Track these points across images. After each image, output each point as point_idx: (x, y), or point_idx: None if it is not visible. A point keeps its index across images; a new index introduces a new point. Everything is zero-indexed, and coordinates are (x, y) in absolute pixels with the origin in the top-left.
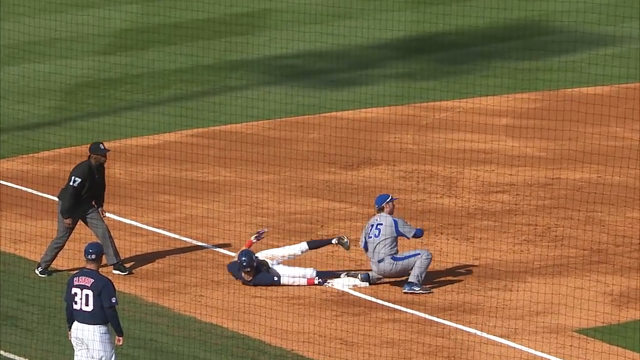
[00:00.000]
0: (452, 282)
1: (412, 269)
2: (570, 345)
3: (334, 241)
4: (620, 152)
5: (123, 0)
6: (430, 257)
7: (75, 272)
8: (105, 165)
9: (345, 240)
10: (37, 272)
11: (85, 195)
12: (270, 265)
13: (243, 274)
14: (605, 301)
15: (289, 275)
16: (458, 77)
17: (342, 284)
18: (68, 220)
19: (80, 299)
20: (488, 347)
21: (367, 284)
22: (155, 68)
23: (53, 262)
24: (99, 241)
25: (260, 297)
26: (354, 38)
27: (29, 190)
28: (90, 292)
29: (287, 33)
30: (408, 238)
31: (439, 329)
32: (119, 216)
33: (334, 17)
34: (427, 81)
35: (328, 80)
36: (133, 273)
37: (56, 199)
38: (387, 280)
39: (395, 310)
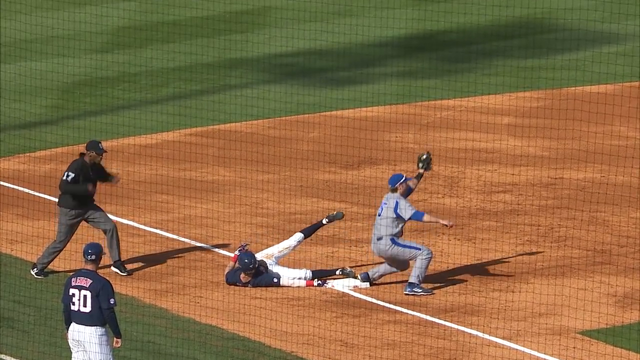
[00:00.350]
0: (453, 283)
1: (411, 268)
2: (574, 347)
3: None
4: (624, 152)
5: None
6: (430, 256)
7: (73, 272)
8: (104, 164)
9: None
10: (32, 272)
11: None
12: (268, 266)
13: (242, 276)
14: (609, 302)
15: (288, 276)
16: (460, 76)
17: (342, 285)
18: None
19: (78, 300)
20: (490, 349)
21: (367, 284)
22: (153, 66)
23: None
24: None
25: (260, 298)
26: (354, 36)
27: (26, 190)
28: (88, 293)
29: (287, 31)
30: (404, 220)
31: (440, 330)
32: (117, 216)
33: (335, 15)
34: (428, 80)
35: (328, 78)
36: (132, 275)
37: (53, 199)
38: (388, 280)
39: (396, 311)
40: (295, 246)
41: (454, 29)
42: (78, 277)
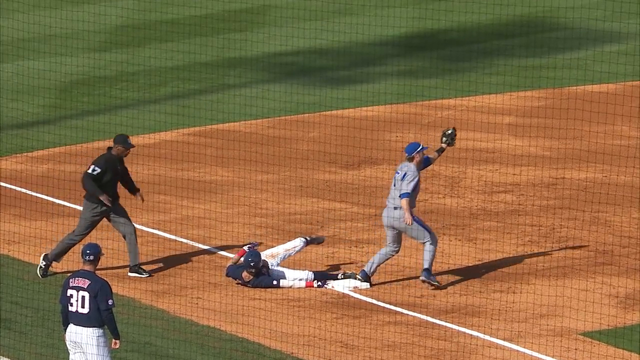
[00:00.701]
0: (454, 284)
1: (422, 254)
2: (575, 349)
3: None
4: (626, 152)
5: None
6: (436, 243)
7: (71, 273)
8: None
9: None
10: (41, 263)
11: (106, 188)
12: (270, 267)
13: (244, 274)
14: (611, 303)
15: (288, 277)
16: (461, 75)
17: (342, 285)
18: (105, 197)
19: (76, 300)
20: (491, 351)
21: (367, 284)
22: (151, 65)
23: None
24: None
25: (259, 299)
26: (354, 35)
27: (23, 190)
28: (86, 294)
29: (286, 30)
30: (400, 193)
31: (441, 331)
32: None
33: (335, 14)
34: (429, 79)
35: (328, 78)
36: (152, 275)
37: (51, 199)
38: (388, 280)
39: (396, 312)
40: (300, 247)
41: (454, 27)
42: (76, 278)
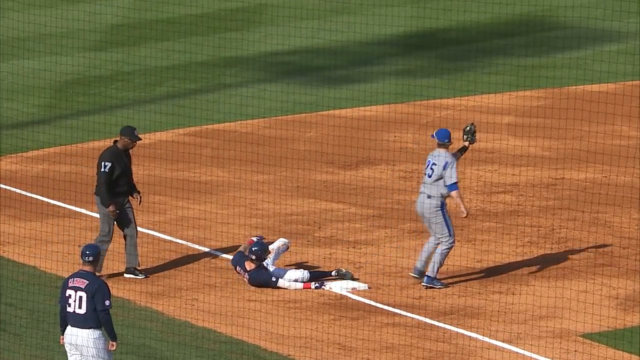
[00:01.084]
0: (453, 285)
1: (431, 257)
2: (575, 351)
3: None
4: (627, 152)
5: None
6: (452, 247)
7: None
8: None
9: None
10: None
11: (117, 183)
12: (266, 265)
13: (247, 262)
14: (611, 305)
15: (286, 277)
16: (459, 75)
17: (340, 287)
18: (111, 208)
19: (74, 301)
20: (490, 352)
21: (366, 286)
22: (147, 65)
23: (42, 264)
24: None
25: (256, 300)
26: (352, 34)
27: (18, 190)
28: (84, 294)
29: (283, 29)
30: (445, 185)
31: (439, 333)
32: None
33: (332, 13)
34: (427, 78)
35: (326, 77)
36: (148, 277)
37: (46, 199)
38: (386, 282)
39: (395, 314)
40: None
41: (453, 26)
42: (75, 278)
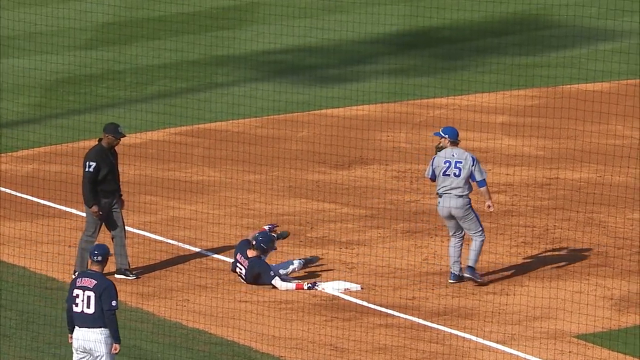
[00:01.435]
0: (446, 285)
1: (469, 250)
2: (569, 352)
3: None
4: (621, 151)
5: None
6: (484, 239)
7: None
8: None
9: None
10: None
11: (104, 182)
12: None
13: (248, 250)
14: (605, 306)
15: (281, 272)
16: (453, 73)
17: (332, 287)
18: (95, 209)
19: (82, 300)
20: (484, 353)
21: (359, 287)
22: (138, 64)
23: (32, 265)
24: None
25: (248, 302)
26: (345, 33)
27: (7, 190)
28: (92, 294)
29: (275, 27)
30: (475, 180)
31: (433, 334)
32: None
33: (324, 11)
34: (420, 77)
35: (318, 76)
36: (139, 277)
37: (36, 199)
38: (380, 283)
39: (388, 315)
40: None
41: (446, 25)
42: (83, 278)
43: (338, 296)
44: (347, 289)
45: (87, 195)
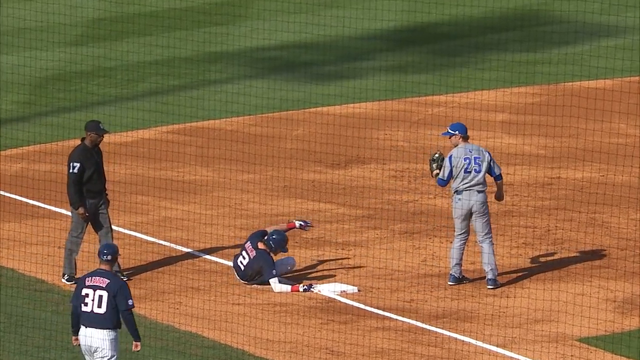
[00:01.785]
0: (446, 288)
1: (484, 259)
2: (572, 355)
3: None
4: (624, 150)
5: None
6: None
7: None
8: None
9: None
10: (63, 280)
11: (90, 182)
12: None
13: (259, 242)
14: (608, 308)
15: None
16: (452, 70)
17: (328, 290)
18: (81, 210)
19: (92, 300)
20: (484, 357)
21: (356, 289)
22: (129, 60)
23: (21, 267)
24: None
25: (242, 304)
26: (341, 28)
27: None
28: (104, 293)
29: (270, 23)
30: (494, 175)
31: (431, 337)
32: None
33: (321, 7)
34: (419, 74)
35: (314, 73)
36: (131, 279)
37: (24, 199)
38: (377, 285)
39: (385, 317)
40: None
41: (445, 21)
42: (93, 277)
43: (334, 298)
44: (344, 291)
45: (72, 197)
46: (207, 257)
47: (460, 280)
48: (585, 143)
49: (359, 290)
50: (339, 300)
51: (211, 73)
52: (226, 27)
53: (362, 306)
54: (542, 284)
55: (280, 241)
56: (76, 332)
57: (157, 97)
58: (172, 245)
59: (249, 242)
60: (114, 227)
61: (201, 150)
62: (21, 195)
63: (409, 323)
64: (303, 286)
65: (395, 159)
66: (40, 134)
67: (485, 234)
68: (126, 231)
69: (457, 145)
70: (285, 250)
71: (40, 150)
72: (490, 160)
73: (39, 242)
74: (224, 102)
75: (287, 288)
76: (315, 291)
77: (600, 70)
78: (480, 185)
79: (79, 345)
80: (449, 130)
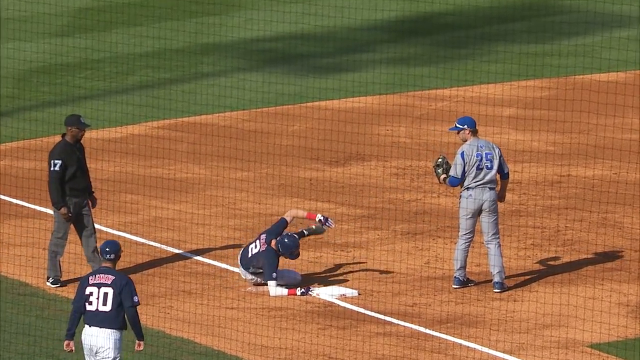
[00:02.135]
0: (450, 291)
1: (491, 261)
2: None
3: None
4: (638, 147)
5: None
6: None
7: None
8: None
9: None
10: (48, 283)
11: (73, 180)
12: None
13: (273, 241)
14: (621, 313)
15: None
16: (457, 63)
17: (326, 293)
18: (63, 211)
19: (97, 298)
20: None
21: (355, 292)
22: (118, 52)
23: (4, 269)
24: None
25: (236, 308)
26: (340, 19)
27: None
28: (110, 290)
29: (265, 13)
30: (503, 172)
31: (435, 343)
32: None
33: None
34: (422, 67)
35: (311, 66)
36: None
37: (7, 198)
38: (377, 288)
39: (386, 322)
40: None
41: (450, 10)
42: (97, 275)
43: (333, 302)
44: (343, 294)
45: (54, 197)
46: (200, 258)
47: (465, 283)
48: (597, 139)
49: (359, 294)
50: (338, 304)
51: (204, 66)
52: (219, 17)
53: (362, 310)
54: (551, 288)
55: (289, 247)
56: (71, 336)
57: (147, 90)
58: (163, 246)
59: (265, 234)
60: (103, 228)
61: (193, 147)
62: (4, 194)
63: (411, 328)
64: (300, 289)
65: (396, 155)
66: (23, 130)
67: (492, 235)
68: (115, 232)
69: (465, 141)
70: (293, 257)
71: (24, 147)
72: (501, 156)
73: (23, 243)
74: (217, 97)
75: (283, 291)
76: (313, 295)
77: (613, 63)
78: (492, 183)
79: (70, 351)
80: (457, 125)
